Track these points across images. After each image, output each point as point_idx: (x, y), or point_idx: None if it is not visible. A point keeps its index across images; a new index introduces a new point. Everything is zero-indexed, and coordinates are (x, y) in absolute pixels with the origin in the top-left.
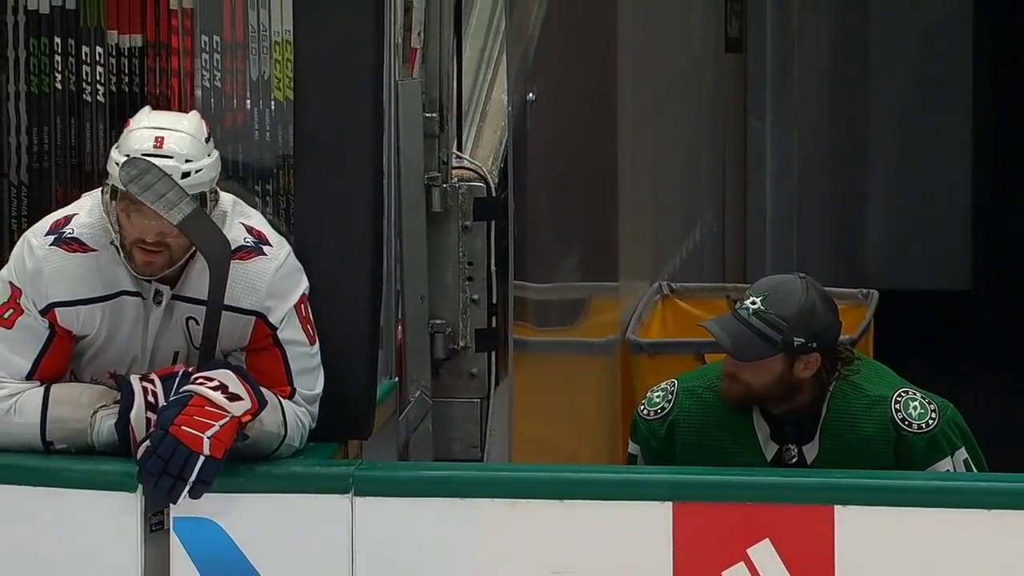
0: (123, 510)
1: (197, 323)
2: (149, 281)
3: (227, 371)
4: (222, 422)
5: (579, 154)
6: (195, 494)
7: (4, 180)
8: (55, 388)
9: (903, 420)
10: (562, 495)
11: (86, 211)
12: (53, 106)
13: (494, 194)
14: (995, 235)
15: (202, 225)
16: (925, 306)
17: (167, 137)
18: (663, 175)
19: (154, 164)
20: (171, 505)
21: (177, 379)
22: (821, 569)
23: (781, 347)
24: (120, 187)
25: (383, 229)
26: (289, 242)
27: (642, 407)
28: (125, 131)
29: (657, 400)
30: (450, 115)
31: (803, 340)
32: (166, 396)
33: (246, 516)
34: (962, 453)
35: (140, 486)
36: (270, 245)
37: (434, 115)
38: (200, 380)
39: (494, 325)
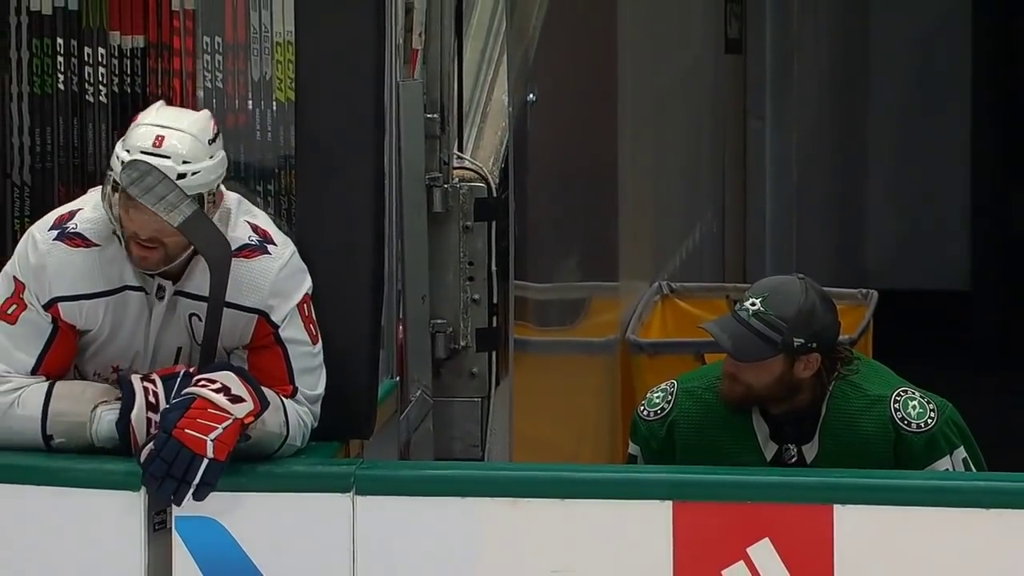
0: (127, 509)
1: (200, 319)
2: (152, 276)
3: (229, 373)
4: (225, 424)
5: (579, 154)
6: (199, 496)
7: (7, 180)
8: (59, 384)
9: (902, 419)
10: (562, 494)
11: (91, 206)
12: (56, 107)
13: (495, 194)
14: (994, 236)
15: (203, 227)
16: (924, 306)
17: (168, 136)
18: (663, 175)
19: (155, 167)
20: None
21: (178, 380)
22: (820, 568)
23: (781, 348)
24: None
25: (384, 229)
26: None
27: (642, 408)
28: (132, 125)
29: (657, 401)
30: (451, 116)
31: (803, 340)
32: (167, 396)
33: (248, 515)
34: (961, 452)
35: (143, 485)
36: (275, 244)
37: (435, 116)
38: (202, 382)
39: (495, 325)
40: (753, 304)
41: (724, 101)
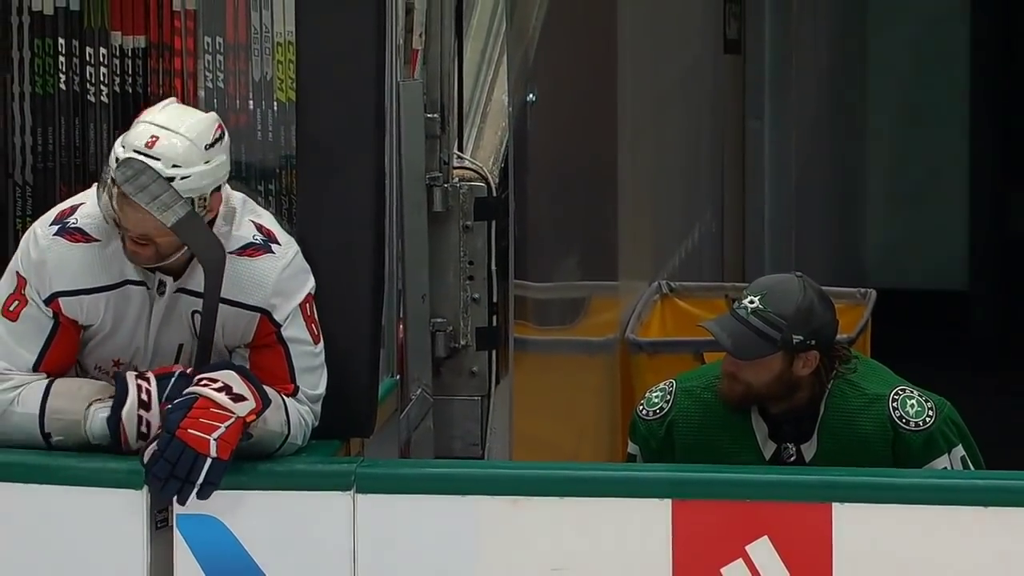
0: (129, 508)
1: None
2: (153, 271)
3: (230, 371)
4: (227, 423)
5: (579, 154)
6: (203, 495)
7: (9, 180)
8: (57, 382)
9: (900, 418)
10: (562, 492)
11: (92, 202)
12: (57, 107)
13: (495, 194)
14: (992, 235)
15: (196, 229)
16: (923, 306)
17: (162, 138)
18: (662, 175)
19: (149, 166)
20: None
21: (173, 380)
22: (819, 566)
23: (780, 345)
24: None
25: (384, 229)
26: None
27: (641, 407)
28: (135, 121)
29: (656, 400)
30: (451, 116)
31: (802, 338)
32: (160, 396)
33: (249, 513)
34: (959, 451)
35: (146, 484)
36: (279, 244)
37: (435, 116)
38: (204, 382)
39: (495, 324)
40: (752, 302)
41: (723, 101)
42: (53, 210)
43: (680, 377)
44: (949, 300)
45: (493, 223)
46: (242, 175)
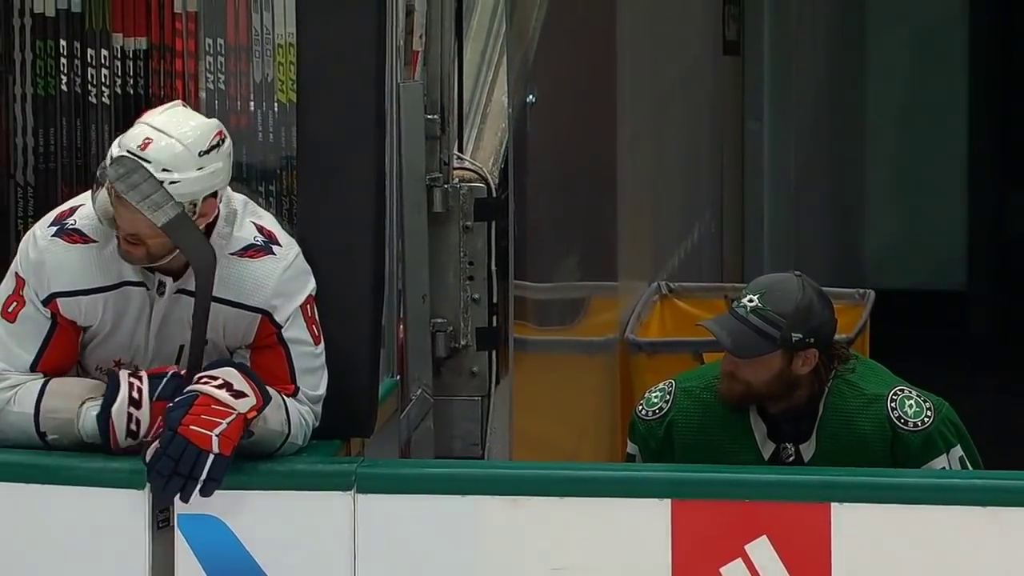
0: (131, 508)
1: None
2: (152, 272)
3: (230, 368)
4: (229, 419)
5: (579, 155)
6: (206, 492)
7: (10, 181)
8: (52, 381)
9: (899, 418)
10: (562, 492)
11: (91, 203)
12: (59, 108)
13: (495, 195)
14: (991, 235)
15: (187, 231)
16: (921, 306)
17: (156, 141)
18: (662, 176)
19: (142, 164)
20: (177, 501)
21: (164, 380)
22: (818, 566)
23: (780, 343)
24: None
25: (385, 229)
26: None
27: (640, 408)
28: (136, 121)
29: (655, 401)
30: (451, 117)
31: (801, 336)
32: (151, 395)
33: (250, 513)
34: (958, 451)
35: (148, 483)
36: (279, 245)
37: (435, 117)
38: (204, 379)
39: (495, 324)
40: (751, 301)
41: (722, 102)
42: (53, 212)
43: (679, 377)
44: (948, 300)
45: (493, 223)
46: (243, 176)
